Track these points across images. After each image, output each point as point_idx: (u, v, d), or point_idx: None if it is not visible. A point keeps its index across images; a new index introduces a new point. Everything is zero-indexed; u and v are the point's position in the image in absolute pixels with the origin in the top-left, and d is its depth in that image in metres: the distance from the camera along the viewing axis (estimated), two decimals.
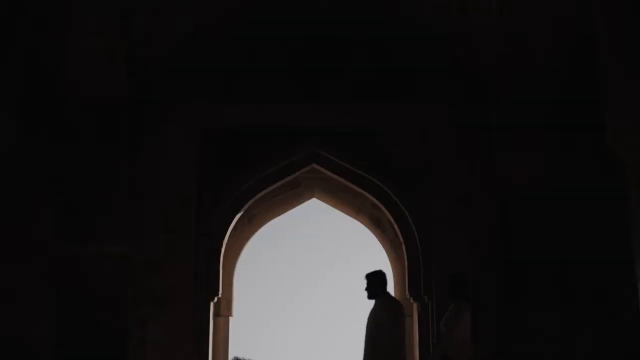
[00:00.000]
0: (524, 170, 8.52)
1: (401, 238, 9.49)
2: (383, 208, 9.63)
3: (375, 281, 7.61)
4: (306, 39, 9.07)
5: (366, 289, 7.67)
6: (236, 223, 9.71)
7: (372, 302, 7.75)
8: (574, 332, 8.20)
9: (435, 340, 7.43)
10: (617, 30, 6.34)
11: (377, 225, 11.31)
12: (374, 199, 9.67)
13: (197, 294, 8.69)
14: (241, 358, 17.17)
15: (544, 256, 8.39)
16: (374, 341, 7.26)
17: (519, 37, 8.16)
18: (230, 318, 10.77)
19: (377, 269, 7.80)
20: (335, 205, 11.45)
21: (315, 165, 9.54)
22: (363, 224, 11.54)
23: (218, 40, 9.01)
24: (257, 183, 9.35)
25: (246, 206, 9.60)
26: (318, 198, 11.33)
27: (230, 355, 10.95)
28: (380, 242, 11.56)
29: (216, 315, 9.79)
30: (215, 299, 9.17)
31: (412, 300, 9.32)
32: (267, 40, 9.04)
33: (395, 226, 9.58)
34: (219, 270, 9.13)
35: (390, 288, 11.35)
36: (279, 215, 11.43)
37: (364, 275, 7.78)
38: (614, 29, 6.38)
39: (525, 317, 8.28)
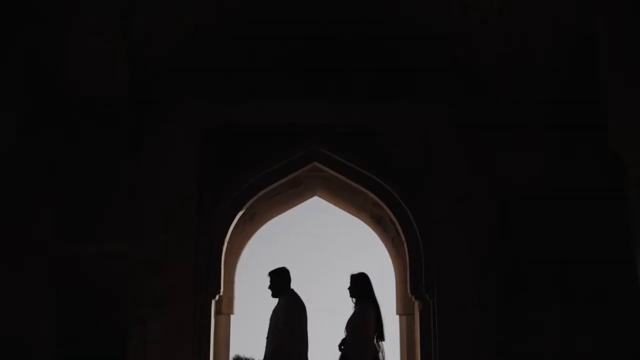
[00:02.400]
0: (524, 170, 8.53)
1: (403, 237, 9.45)
2: (385, 206, 9.60)
3: (276, 280, 7.56)
4: (306, 39, 9.05)
5: (269, 287, 7.63)
6: (237, 221, 9.67)
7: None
8: (574, 332, 8.22)
9: (340, 342, 7.42)
10: (617, 31, 6.34)
11: (378, 223, 11.28)
12: (375, 198, 9.65)
13: (198, 293, 8.67)
14: (242, 356, 17.20)
15: (544, 256, 8.41)
16: (276, 340, 7.25)
17: (519, 37, 8.16)
18: (232, 316, 10.75)
19: (281, 266, 7.74)
20: (336, 204, 11.43)
21: (316, 164, 9.52)
22: (364, 222, 11.52)
23: (218, 40, 9.00)
24: (258, 182, 9.32)
25: (247, 205, 9.58)
26: (319, 196, 11.31)
27: (232, 353, 10.93)
28: (382, 240, 11.53)
29: (217, 313, 9.76)
30: (217, 297, 9.16)
31: (413, 299, 9.31)
32: (267, 40, 9.02)
33: (397, 225, 9.56)
34: (220, 269, 9.09)
35: (392, 286, 11.38)
36: (281, 213, 11.41)
37: (267, 273, 7.76)
38: (614, 29, 6.38)
39: (525, 317, 8.30)
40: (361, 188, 9.58)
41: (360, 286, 7.47)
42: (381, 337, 7.35)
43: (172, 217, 8.58)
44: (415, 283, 9.05)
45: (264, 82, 8.96)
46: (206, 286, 8.83)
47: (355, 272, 7.56)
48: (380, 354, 7.31)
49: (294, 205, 11.27)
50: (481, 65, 8.72)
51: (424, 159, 9.02)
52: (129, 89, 8.51)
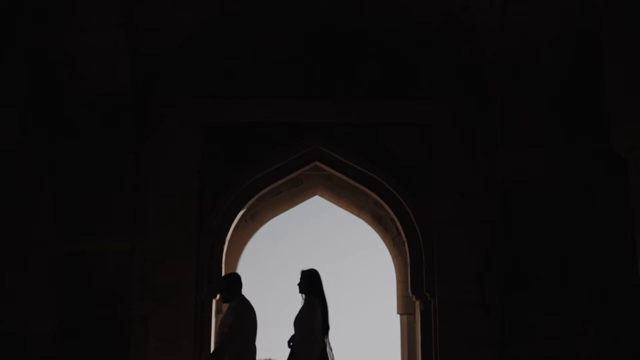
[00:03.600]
0: (524, 170, 8.52)
1: (404, 236, 9.43)
2: (386, 206, 9.59)
3: (228, 285, 7.68)
4: (307, 37, 9.03)
5: (220, 292, 7.79)
6: (238, 220, 9.67)
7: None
8: (574, 332, 8.21)
9: (289, 338, 7.50)
10: (618, 31, 6.33)
11: (379, 222, 11.31)
12: (376, 197, 9.64)
13: (199, 291, 8.69)
14: None
15: (544, 255, 8.39)
16: (222, 344, 7.35)
17: (520, 36, 8.15)
18: None
19: (232, 272, 7.90)
20: (337, 203, 11.45)
21: (318, 163, 9.51)
22: (365, 221, 11.54)
23: (220, 36, 8.99)
24: (259, 181, 9.31)
25: (248, 204, 9.57)
26: (320, 196, 11.33)
27: None
28: (383, 240, 11.55)
29: (218, 311, 9.77)
30: (218, 295, 9.17)
31: (414, 298, 9.31)
32: (269, 37, 9.01)
33: (398, 224, 9.55)
34: (221, 267, 9.09)
35: (392, 286, 11.40)
36: (282, 212, 11.43)
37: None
38: (615, 29, 6.37)
39: (526, 317, 8.29)
40: (362, 187, 9.56)
41: (310, 282, 7.54)
42: (325, 334, 7.40)
43: (173, 215, 8.59)
44: (416, 282, 9.05)
45: (265, 81, 8.95)
46: (207, 284, 8.84)
47: (306, 267, 7.64)
48: (329, 350, 7.37)
49: (295, 204, 11.30)
50: (483, 64, 8.72)
51: (426, 158, 9.00)
52: (131, 85, 8.49)
